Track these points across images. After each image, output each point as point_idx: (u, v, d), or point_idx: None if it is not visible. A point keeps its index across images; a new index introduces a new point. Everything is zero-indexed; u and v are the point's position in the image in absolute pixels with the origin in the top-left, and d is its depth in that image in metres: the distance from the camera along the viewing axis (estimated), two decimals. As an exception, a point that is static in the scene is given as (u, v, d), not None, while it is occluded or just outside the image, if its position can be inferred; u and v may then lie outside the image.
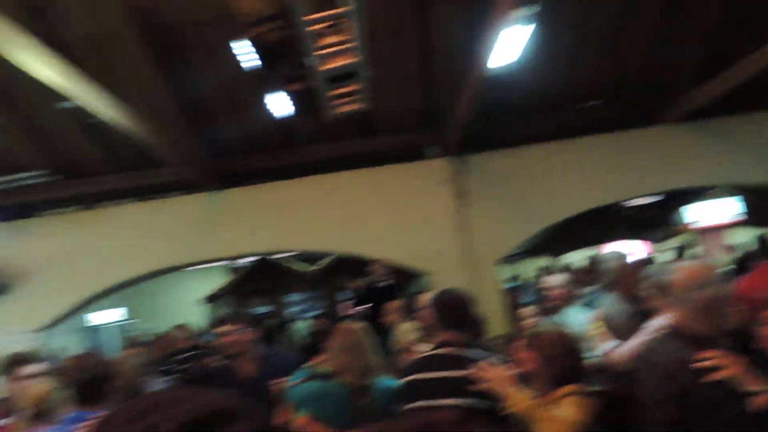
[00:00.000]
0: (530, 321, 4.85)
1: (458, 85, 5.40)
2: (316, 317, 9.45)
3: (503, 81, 5.53)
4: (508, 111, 6.48)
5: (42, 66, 3.65)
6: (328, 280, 10.81)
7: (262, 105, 5.23)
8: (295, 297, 11.02)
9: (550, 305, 4.64)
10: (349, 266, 10.18)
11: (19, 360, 3.06)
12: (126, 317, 11.96)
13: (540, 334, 2.84)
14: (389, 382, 2.99)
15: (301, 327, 9.87)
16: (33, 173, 6.22)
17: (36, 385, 2.96)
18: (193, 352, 6.43)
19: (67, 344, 8.05)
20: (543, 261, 10.04)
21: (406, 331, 4.86)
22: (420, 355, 3.04)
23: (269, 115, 5.36)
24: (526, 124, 6.72)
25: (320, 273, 10.77)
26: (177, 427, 0.68)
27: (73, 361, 2.88)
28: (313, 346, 5.77)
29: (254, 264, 10.54)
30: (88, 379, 2.69)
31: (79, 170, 6.40)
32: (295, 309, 10.83)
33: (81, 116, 5.31)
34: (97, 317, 10.86)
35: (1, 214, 6.56)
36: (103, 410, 2.63)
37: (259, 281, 10.64)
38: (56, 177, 6.34)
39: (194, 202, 6.92)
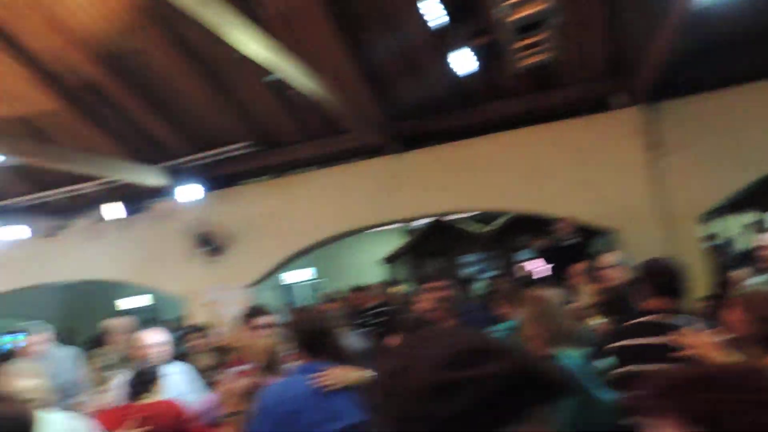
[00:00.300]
0: (742, 283, 4.40)
1: (652, 25, 4.92)
2: (493, 278, 9.45)
3: (706, 16, 4.93)
4: (711, 50, 5.77)
5: (251, 42, 3.99)
6: (503, 241, 10.71)
7: (443, 65, 5.25)
8: (470, 258, 11.09)
9: (766, 265, 4.19)
10: (525, 226, 9.96)
11: (255, 311, 3.42)
12: (315, 277, 12.98)
13: (753, 294, 2.60)
14: (573, 358, 2.90)
15: (479, 287, 9.92)
16: (238, 146, 6.91)
17: (267, 335, 3.30)
18: (384, 308, 6.80)
19: (269, 300, 8.91)
20: (750, 217, 8.96)
21: (588, 293, 4.65)
22: (629, 323, 2.99)
23: (450, 74, 5.37)
24: (732, 62, 5.95)
25: (495, 234, 10.70)
26: (442, 361, 0.71)
27: (298, 314, 3.09)
28: (491, 306, 5.78)
29: (429, 226, 10.77)
30: (314, 332, 2.90)
31: (275, 141, 6.98)
32: (471, 270, 10.91)
33: (279, 89, 5.77)
34: (290, 276, 11.93)
35: (213, 184, 7.38)
36: (326, 361, 2.85)
37: (433, 242, 10.86)
38: (257, 148, 6.97)
39: (377, 166, 7.20)
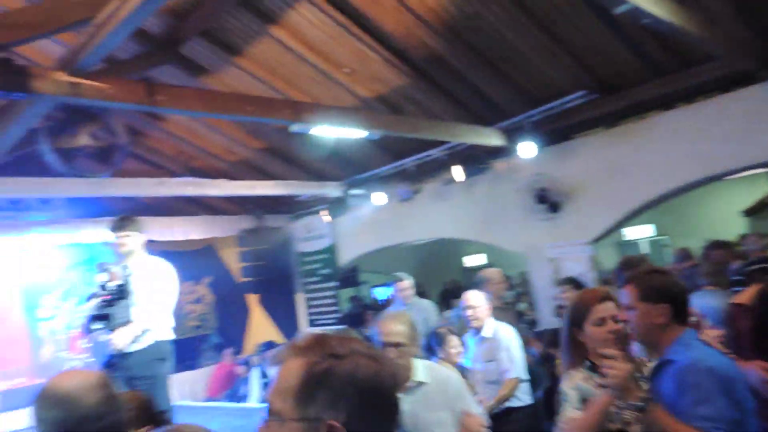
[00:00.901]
0: None
1: None
2: None
3: None
4: None
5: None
6: None
7: None
8: None
9: None
10: None
11: (630, 262, 3.26)
12: (654, 233, 11.95)
13: None
14: None
15: None
16: (573, 96, 6.65)
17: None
18: (759, 265, 5.82)
19: (609, 259, 8.51)
20: None
21: None
22: None
23: None
24: None
25: None
26: None
27: (662, 274, 2.81)
28: None
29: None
30: (685, 294, 2.64)
31: (614, 85, 6.50)
32: None
33: (619, 23, 5.32)
34: (630, 233, 11.22)
35: (548, 140, 7.29)
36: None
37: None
38: (593, 96, 6.61)
39: (741, 99, 6.11)
